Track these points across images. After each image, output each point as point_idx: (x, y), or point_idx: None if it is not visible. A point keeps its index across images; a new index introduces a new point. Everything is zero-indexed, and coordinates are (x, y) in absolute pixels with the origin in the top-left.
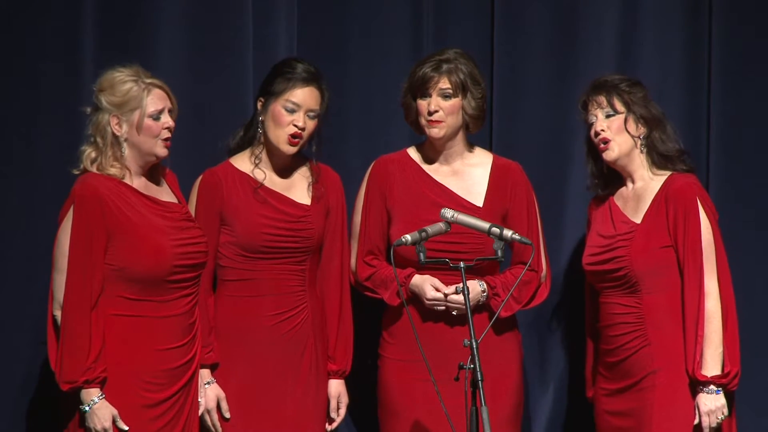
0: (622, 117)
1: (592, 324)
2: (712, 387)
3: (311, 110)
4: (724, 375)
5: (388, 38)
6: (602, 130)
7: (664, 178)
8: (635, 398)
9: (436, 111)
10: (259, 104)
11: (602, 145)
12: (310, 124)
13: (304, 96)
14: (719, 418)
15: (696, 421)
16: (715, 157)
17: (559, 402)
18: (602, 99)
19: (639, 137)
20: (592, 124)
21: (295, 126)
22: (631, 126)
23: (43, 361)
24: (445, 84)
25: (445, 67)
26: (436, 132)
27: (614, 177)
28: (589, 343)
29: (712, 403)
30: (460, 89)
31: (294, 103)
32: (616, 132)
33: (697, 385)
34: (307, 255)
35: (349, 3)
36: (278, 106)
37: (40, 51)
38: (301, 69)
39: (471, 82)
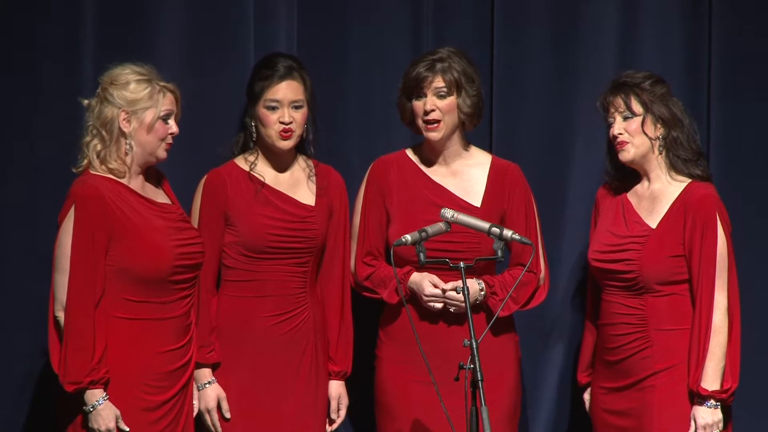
0: (639, 119)
1: (593, 316)
2: (711, 401)
3: (294, 102)
4: (723, 390)
5: (388, 38)
6: (620, 134)
7: (683, 185)
8: (635, 398)
9: (432, 110)
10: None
11: (618, 146)
12: (298, 115)
13: (282, 92)
14: None
15: None
16: (715, 157)
17: (558, 402)
18: (620, 101)
19: (657, 138)
20: (611, 124)
21: (282, 122)
22: (649, 128)
23: (43, 361)
24: (439, 83)
25: (438, 66)
26: (434, 135)
27: (632, 173)
28: (587, 331)
29: (709, 417)
30: (455, 87)
31: (274, 101)
32: (634, 134)
33: (695, 397)
34: (310, 256)
35: (349, 3)
36: (261, 108)
37: (40, 51)
38: (275, 65)
39: (465, 80)
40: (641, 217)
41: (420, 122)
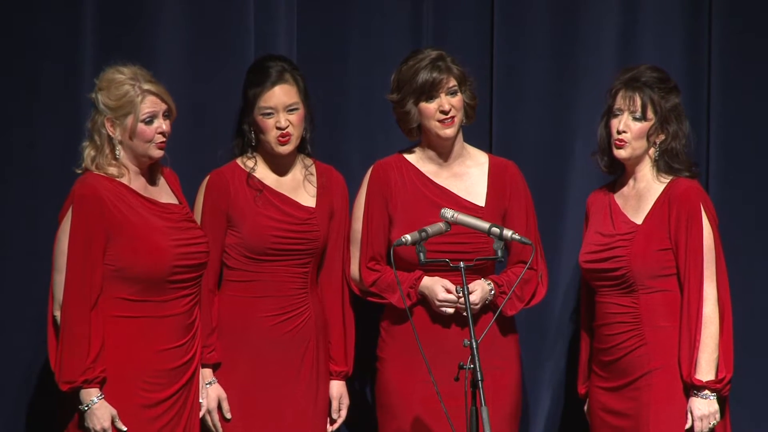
0: (648, 125)
1: (588, 321)
2: (706, 392)
3: (288, 106)
4: (718, 381)
5: (388, 38)
6: (624, 131)
7: (667, 181)
8: (631, 397)
9: (450, 109)
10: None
11: (618, 143)
12: (294, 118)
13: (276, 97)
14: (711, 423)
15: (688, 426)
16: (715, 157)
17: (557, 401)
18: (637, 100)
19: (656, 143)
20: (617, 115)
21: (278, 128)
22: (653, 135)
23: (43, 361)
24: (452, 82)
25: (443, 65)
26: (451, 131)
27: (620, 162)
28: (583, 340)
29: (705, 408)
30: (461, 83)
31: (268, 108)
32: (636, 137)
33: (691, 389)
34: (311, 257)
35: (349, 3)
36: (257, 115)
37: (40, 51)
38: (267, 70)
39: (464, 73)
40: (628, 216)
41: (432, 123)
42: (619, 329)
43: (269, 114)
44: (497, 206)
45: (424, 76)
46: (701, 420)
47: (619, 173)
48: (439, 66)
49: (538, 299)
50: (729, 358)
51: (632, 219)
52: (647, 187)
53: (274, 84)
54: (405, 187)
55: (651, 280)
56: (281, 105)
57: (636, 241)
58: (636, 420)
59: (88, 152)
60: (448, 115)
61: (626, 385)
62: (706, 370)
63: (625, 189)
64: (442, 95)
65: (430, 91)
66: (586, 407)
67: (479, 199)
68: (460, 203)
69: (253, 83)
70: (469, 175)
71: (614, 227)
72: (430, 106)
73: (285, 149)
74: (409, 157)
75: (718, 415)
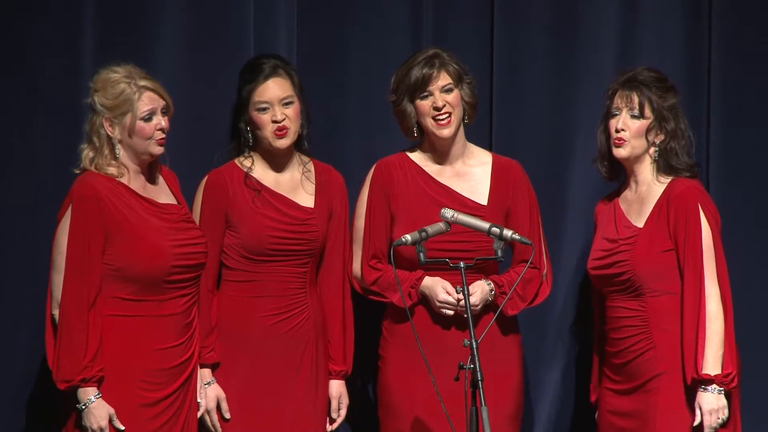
0: (646, 123)
1: (599, 328)
2: (714, 386)
3: (283, 99)
4: (725, 375)
5: (388, 38)
6: (622, 130)
7: (667, 182)
8: (640, 400)
9: (444, 105)
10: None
11: (617, 141)
12: (290, 111)
13: (270, 91)
14: (720, 418)
15: (697, 422)
16: (715, 157)
17: (559, 402)
18: (634, 98)
19: (654, 144)
20: (615, 115)
21: (275, 121)
22: (651, 134)
23: (43, 360)
24: (445, 79)
25: (437, 62)
26: (447, 131)
27: (621, 166)
28: (595, 348)
29: (714, 402)
30: (458, 80)
31: (263, 102)
32: (635, 135)
33: (698, 384)
34: (310, 257)
35: (349, 3)
36: (252, 111)
37: (40, 51)
38: (259, 67)
39: (462, 71)
40: (630, 221)
41: (429, 121)
42: (628, 333)
43: (265, 108)
44: (500, 205)
45: (416, 72)
46: (710, 414)
47: (622, 179)
48: (432, 62)
49: (542, 299)
50: (733, 354)
51: (634, 223)
52: (648, 190)
53: (267, 78)
54: (408, 185)
55: (656, 282)
56: (276, 98)
57: (638, 244)
58: (643, 421)
59: (86, 154)
60: (442, 111)
61: (636, 388)
62: (713, 365)
63: (628, 193)
64: (436, 92)
65: (422, 87)
66: (597, 414)
67: (482, 198)
68: (462, 202)
69: (247, 80)
70: (472, 175)
71: (618, 232)
72: (424, 104)
73: (283, 143)
74: (412, 155)
75: (726, 410)
